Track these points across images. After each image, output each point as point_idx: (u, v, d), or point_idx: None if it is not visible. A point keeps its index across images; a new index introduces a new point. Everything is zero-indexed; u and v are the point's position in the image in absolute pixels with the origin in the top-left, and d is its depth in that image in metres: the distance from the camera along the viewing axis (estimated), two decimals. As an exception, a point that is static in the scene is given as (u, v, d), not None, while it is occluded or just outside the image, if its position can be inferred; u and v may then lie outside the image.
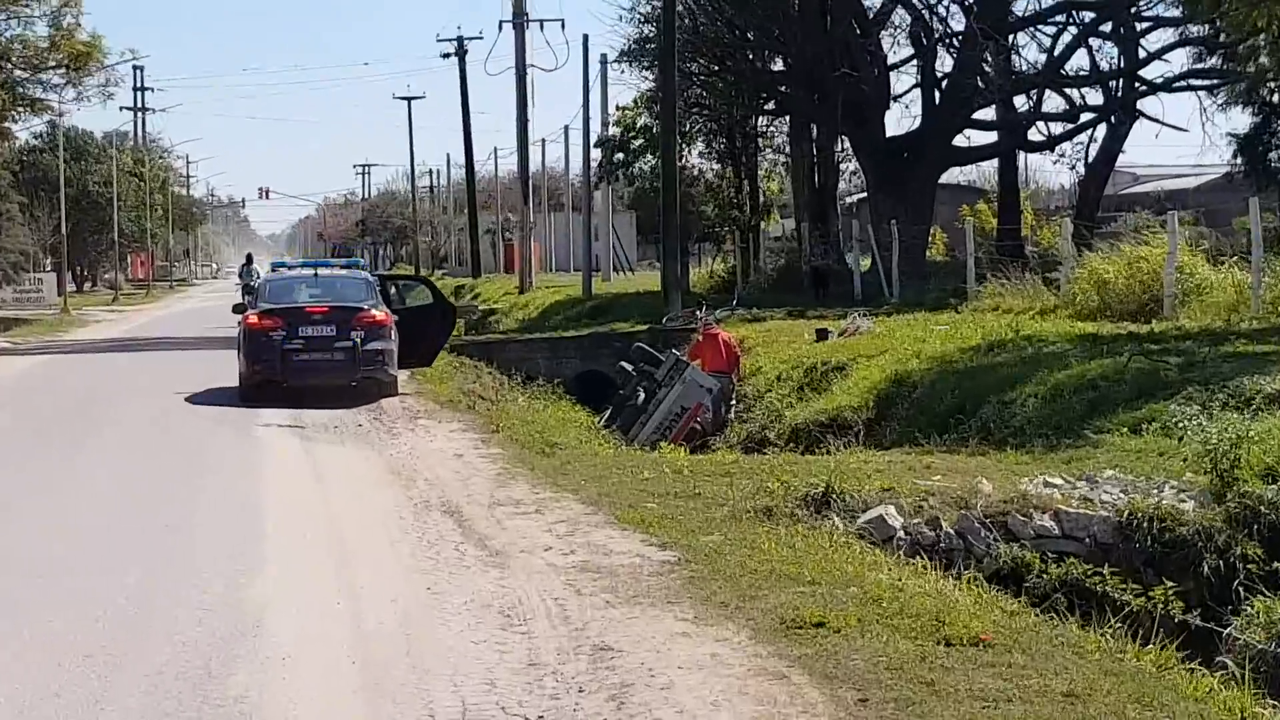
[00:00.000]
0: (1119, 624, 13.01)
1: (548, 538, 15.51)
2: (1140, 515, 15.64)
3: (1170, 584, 14.31)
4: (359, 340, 29.16)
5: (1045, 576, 14.96)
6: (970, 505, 16.27)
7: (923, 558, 15.05)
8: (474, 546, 15.14)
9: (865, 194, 64.97)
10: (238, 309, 32.91)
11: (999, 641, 11.15)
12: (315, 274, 33.66)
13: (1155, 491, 16.23)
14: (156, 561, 14.60)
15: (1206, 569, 14.87)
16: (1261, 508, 15.25)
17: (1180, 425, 18.58)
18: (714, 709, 9.70)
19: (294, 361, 29.18)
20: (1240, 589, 14.44)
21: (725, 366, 33.25)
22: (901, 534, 15.82)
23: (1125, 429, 19.54)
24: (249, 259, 73.05)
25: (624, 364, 36.15)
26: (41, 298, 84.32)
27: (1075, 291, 33.65)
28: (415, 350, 32.05)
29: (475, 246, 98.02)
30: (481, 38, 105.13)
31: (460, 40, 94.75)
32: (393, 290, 34.10)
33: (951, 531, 15.91)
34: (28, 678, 10.47)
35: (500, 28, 77.25)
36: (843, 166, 65.46)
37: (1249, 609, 13.92)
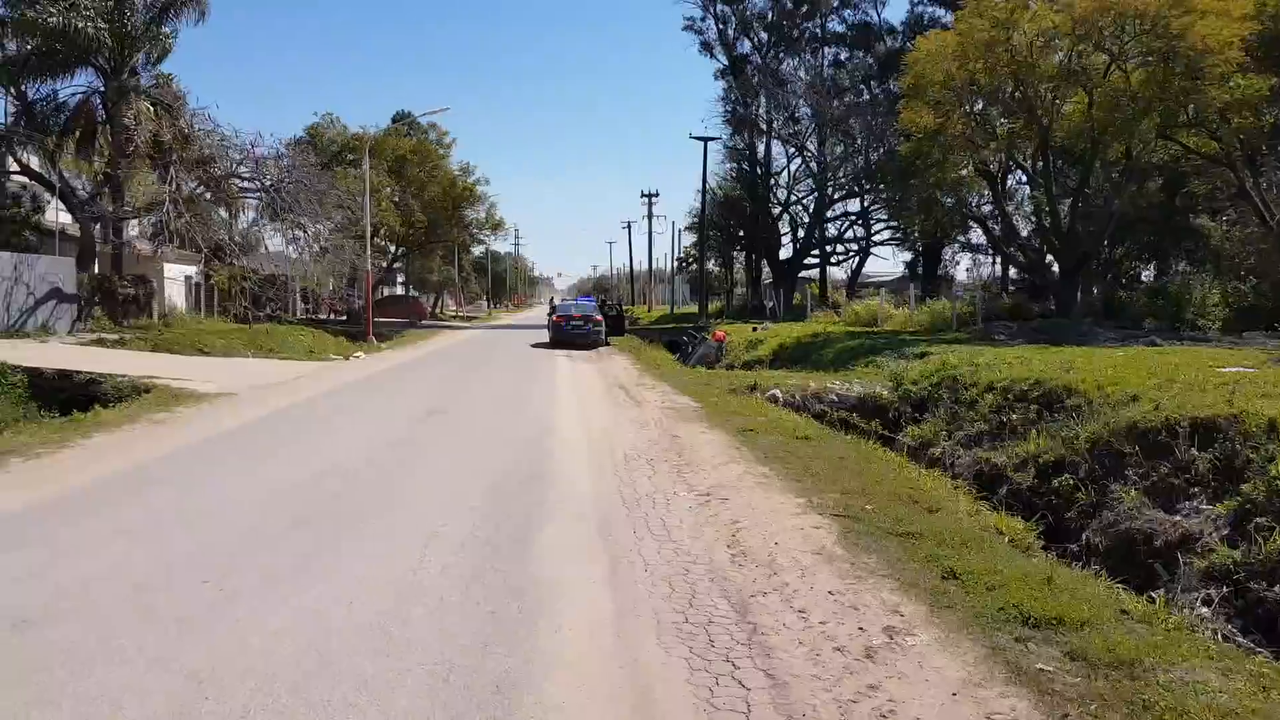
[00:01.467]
0: (854, 433, 13.09)
1: (655, 396, 15.58)
2: (868, 396, 15.55)
3: (876, 421, 14.26)
4: (592, 327, 29.30)
5: (833, 416, 14.95)
6: (806, 390, 16.25)
7: (789, 409, 15.14)
8: (628, 400, 15.17)
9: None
10: (550, 314, 33.19)
11: (814, 436, 11.21)
12: (574, 302, 33.91)
13: (874, 387, 16.19)
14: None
15: (890, 415, 14.64)
16: (911, 392, 15.07)
17: (883, 364, 18.33)
18: (714, 452, 9.84)
19: (564, 332, 29.21)
20: (902, 423, 14.17)
21: (720, 340, 33.04)
22: (782, 399, 15.83)
23: (863, 365, 19.34)
24: (552, 300, 72.63)
25: (685, 336, 36.15)
26: (481, 309, 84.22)
27: (848, 315, 33.29)
28: (610, 332, 32.14)
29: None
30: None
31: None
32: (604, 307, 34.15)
33: (799, 399, 15.84)
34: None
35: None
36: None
37: (904, 433, 13.84)
